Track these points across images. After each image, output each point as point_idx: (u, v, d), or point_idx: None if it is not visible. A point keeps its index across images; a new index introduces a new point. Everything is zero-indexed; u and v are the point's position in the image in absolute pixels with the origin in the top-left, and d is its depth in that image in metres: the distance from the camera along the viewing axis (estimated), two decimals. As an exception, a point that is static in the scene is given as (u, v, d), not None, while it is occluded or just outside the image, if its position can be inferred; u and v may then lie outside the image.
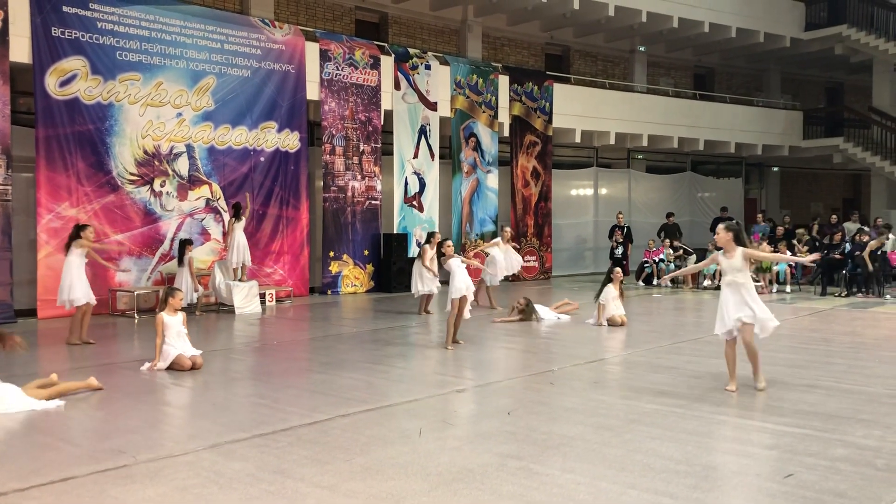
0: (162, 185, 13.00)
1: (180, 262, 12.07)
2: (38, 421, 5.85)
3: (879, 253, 15.50)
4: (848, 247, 16.21)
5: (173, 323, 7.81)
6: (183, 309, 8.21)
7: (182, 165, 13.24)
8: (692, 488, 4.33)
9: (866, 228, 17.43)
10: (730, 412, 6.11)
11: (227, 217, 13.45)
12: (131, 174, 12.62)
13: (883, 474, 4.60)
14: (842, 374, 7.65)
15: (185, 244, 12.15)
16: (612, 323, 10.88)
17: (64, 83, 11.84)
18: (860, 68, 24.49)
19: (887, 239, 16.28)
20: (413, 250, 16.11)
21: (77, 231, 9.45)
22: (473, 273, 17.05)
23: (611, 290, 10.98)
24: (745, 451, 5.08)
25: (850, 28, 22.22)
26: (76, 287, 9.28)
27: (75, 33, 11.94)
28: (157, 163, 12.92)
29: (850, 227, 18.28)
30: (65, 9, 11.83)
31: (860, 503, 4.13)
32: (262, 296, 13.16)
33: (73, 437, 5.45)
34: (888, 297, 14.80)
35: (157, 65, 12.85)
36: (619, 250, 18.03)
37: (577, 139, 19.81)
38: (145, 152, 12.78)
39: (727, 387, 6.78)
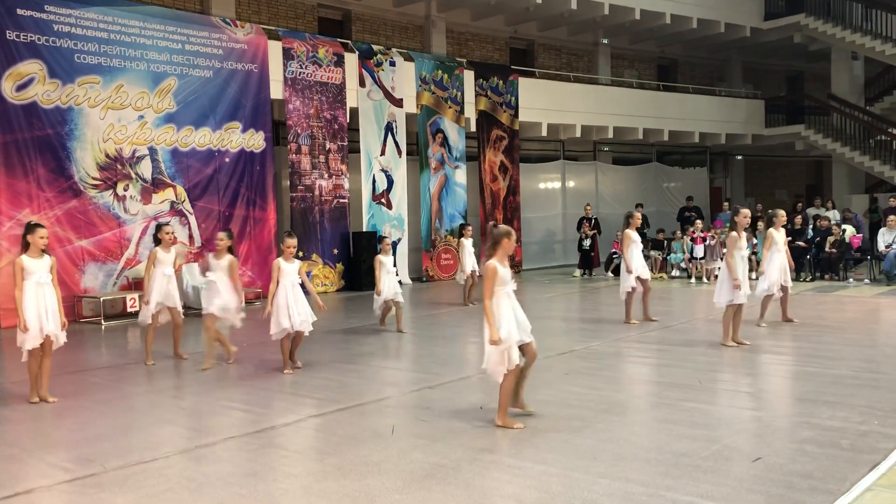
0: (125, 189, 12.80)
1: None
2: (2, 432, 5.74)
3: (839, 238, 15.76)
4: (811, 233, 16.48)
5: (290, 270, 7.66)
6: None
7: (145, 168, 13.05)
8: (663, 475, 4.38)
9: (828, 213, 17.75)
10: (698, 399, 6.19)
11: (193, 220, 13.26)
12: (94, 178, 12.42)
13: (848, 454, 4.69)
14: (807, 357, 7.78)
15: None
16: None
17: (21, 87, 11.60)
18: (819, 56, 24.85)
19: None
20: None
21: None
22: (444, 270, 17.17)
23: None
24: (713, 436, 5.14)
25: (807, 17, 22.54)
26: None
27: (31, 36, 11.70)
28: (119, 166, 12.72)
29: (813, 212, 18.57)
30: (19, 11, 11.58)
31: (826, 483, 4.21)
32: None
33: (38, 447, 5.35)
34: (851, 280, 15.08)
35: (116, 67, 12.64)
36: (588, 242, 18.14)
37: (544, 133, 19.88)
38: (107, 156, 12.58)
39: None
